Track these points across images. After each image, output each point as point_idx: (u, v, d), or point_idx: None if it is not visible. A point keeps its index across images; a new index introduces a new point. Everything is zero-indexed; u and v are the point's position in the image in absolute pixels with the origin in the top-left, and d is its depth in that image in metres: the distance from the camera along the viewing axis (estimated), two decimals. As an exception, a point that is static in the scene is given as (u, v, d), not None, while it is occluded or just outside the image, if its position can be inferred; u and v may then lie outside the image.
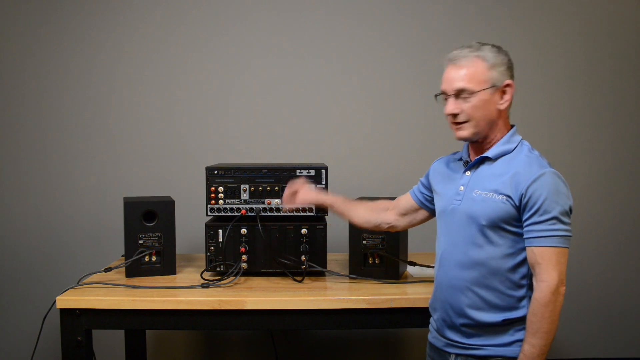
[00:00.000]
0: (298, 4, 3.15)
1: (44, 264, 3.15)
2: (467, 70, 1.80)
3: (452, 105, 1.82)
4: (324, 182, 2.50)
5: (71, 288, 2.27)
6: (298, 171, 2.50)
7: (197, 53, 3.15)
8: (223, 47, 3.16)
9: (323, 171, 2.50)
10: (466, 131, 1.84)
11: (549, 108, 3.19)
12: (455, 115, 1.83)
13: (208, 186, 2.49)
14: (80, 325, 2.16)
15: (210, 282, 2.34)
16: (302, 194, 2.26)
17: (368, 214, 2.21)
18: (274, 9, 3.15)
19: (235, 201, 2.50)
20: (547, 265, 1.72)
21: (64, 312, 2.16)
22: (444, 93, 1.86)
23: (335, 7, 3.15)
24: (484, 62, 1.81)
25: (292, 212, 2.46)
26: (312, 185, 2.37)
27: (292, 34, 3.16)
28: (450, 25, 3.15)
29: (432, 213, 2.12)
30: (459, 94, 1.81)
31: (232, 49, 3.15)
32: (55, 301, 2.15)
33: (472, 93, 1.80)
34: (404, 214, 2.18)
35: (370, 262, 2.43)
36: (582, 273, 3.20)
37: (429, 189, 2.09)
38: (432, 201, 2.08)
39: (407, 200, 2.18)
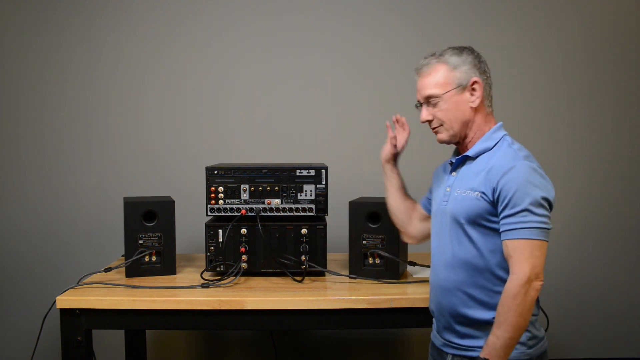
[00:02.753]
0: (298, 5, 3.15)
1: (44, 264, 3.15)
2: (431, 78, 1.88)
3: (424, 113, 1.92)
4: (324, 182, 2.50)
5: (71, 288, 2.27)
6: (298, 171, 2.50)
7: (197, 53, 3.15)
8: (223, 47, 3.16)
9: (323, 171, 2.50)
10: (443, 134, 1.91)
11: (548, 107, 3.19)
12: (430, 122, 1.91)
13: (208, 186, 2.49)
14: (80, 325, 2.16)
15: (210, 282, 2.34)
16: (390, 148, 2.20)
17: (405, 214, 2.20)
18: (274, 9, 3.15)
19: (235, 201, 2.50)
20: (519, 258, 1.70)
21: (64, 312, 2.16)
22: (418, 102, 1.95)
23: (335, 9, 3.15)
24: (445, 65, 1.88)
25: None
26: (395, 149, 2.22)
27: (292, 34, 3.16)
28: (449, 26, 3.15)
29: None
30: (428, 101, 1.89)
31: (232, 49, 3.15)
32: (55, 301, 2.15)
33: (438, 97, 1.87)
34: (420, 221, 2.19)
35: (370, 262, 2.43)
36: (582, 273, 3.20)
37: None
38: None
39: (419, 209, 2.21)
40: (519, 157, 1.77)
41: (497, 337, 1.71)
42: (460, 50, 1.89)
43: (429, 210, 2.15)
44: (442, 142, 1.93)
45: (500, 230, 1.75)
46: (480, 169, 1.83)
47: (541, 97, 3.18)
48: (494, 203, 1.76)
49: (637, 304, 3.24)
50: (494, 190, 1.75)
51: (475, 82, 1.86)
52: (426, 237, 2.19)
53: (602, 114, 3.20)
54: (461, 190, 1.84)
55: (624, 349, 3.23)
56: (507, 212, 1.73)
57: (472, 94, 1.87)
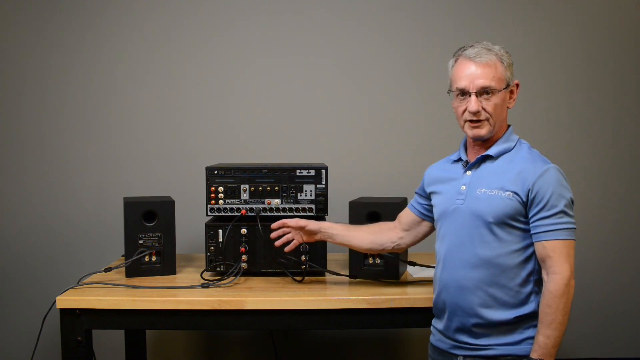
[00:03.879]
0: (298, 5, 3.15)
1: (44, 264, 3.14)
2: (491, 70, 1.84)
3: (475, 103, 1.83)
4: (324, 182, 2.50)
5: (71, 288, 2.27)
6: (298, 171, 2.50)
7: (197, 53, 3.15)
8: (223, 47, 3.15)
9: (323, 171, 2.50)
10: (484, 129, 1.86)
11: (548, 108, 3.19)
12: (475, 114, 1.84)
13: (208, 186, 2.49)
14: (80, 325, 2.16)
15: (210, 282, 2.34)
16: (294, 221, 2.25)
17: (371, 236, 2.20)
18: (274, 9, 3.15)
19: (235, 201, 2.50)
20: (559, 258, 1.76)
21: (64, 312, 2.16)
22: (462, 90, 1.86)
23: (335, 9, 3.15)
24: (501, 61, 1.86)
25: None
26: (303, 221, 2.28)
27: (292, 34, 3.16)
28: (449, 25, 3.15)
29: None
30: (481, 92, 1.84)
31: (232, 49, 3.15)
32: (55, 301, 2.15)
33: (494, 92, 1.84)
34: (407, 230, 2.17)
35: (370, 262, 2.43)
36: (582, 273, 3.17)
37: (427, 198, 2.09)
38: (432, 210, 2.07)
39: (407, 215, 2.18)
40: (547, 161, 1.84)
41: (547, 337, 1.76)
42: (506, 50, 1.90)
43: (421, 214, 2.13)
44: (479, 137, 1.87)
45: (536, 231, 1.78)
46: (506, 169, 1.85)
47: (541, 97, 3.18)
48: (525, 204, 1.79)
49: (637, 304, 3.23)
50: (528, 192, 1.78)
51: (517, 84, 1.91)
52: (419, 241, 2.21)
53: (602, 114, 3.20)
54: (487, 189, 1.83)
55: (624, 349, 3.23)
56: (543, 213, 1.77)
57: (511, 97, 1.90)
